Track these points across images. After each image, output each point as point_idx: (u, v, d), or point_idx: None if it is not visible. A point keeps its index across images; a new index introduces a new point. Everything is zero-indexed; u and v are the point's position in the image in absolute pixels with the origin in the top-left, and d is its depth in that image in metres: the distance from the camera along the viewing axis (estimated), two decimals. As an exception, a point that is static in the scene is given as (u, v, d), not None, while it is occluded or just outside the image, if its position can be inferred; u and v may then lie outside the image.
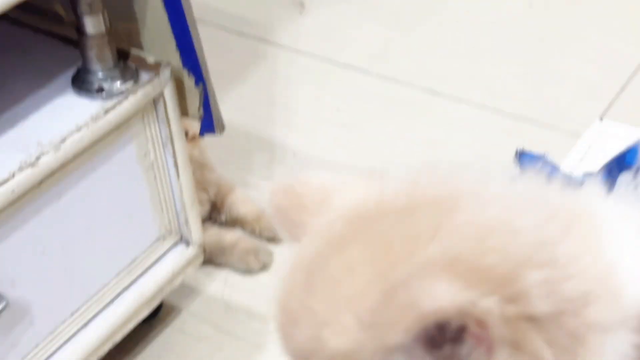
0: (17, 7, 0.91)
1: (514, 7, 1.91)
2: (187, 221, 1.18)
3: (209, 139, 1.60)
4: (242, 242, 1.40)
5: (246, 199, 1.47)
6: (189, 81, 1.03)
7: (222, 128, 1.09)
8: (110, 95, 1.00)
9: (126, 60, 1.04)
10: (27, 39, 1.11)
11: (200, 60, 1.01)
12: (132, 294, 1.14)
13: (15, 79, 1.04)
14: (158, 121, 1.08)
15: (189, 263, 1.22)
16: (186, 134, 1.35)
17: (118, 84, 1.01)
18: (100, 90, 1.00)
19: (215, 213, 1.47)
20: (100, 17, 0.96)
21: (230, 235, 1.41)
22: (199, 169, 1.39)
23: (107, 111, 0.98)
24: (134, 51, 1.06)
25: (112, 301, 1.12)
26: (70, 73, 1.03)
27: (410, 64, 1.79)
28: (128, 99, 1.00)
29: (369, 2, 1.97)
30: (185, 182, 1.14)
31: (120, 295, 1.13)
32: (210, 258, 1.40)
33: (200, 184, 1.42)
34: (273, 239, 1.44)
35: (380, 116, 1.68)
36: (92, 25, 0.96)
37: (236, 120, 1.68)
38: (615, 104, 1.66)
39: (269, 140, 1.64)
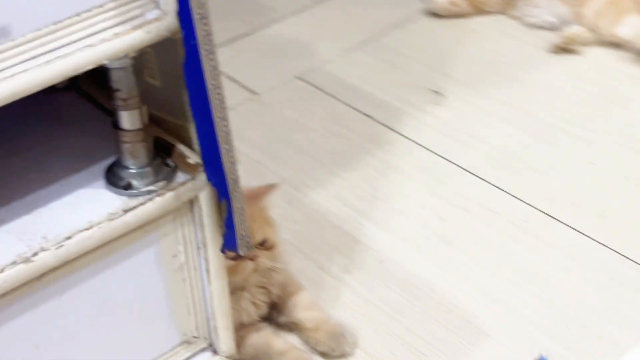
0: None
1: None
2: (216, 329, 1.09)
3: (296, 224, 1.54)
4: (292, 353, 1.28)
5: (311, 304, 1.36)
6: (204, 195, 0.94)
7: (247, 248, 0.99)
8: (137, 193, 0.93)
9: (167, 158, 0.97)
10: (88, 112, 1.08)
11: (228, 176, 0.91)
12: (142, 397, 1.06)
13: (58, 156, 1.00)
14: (194, 224, 1.00)
15: (214, 372, 1.12)
16: (263, 242, 1.29)
17: (148, 182, 0.94)
18: (128, 187, 0.93)
19: (276, 313, 1.37)
20: (136, 114, 0.90)
21: (282, 343, 1.30)
22: (265, 274, 1.31)
23: (126, 211, 0.91)
24: (180, 148, 0.99)
25: (118, 402, 1.05)
26: (109, 162, 0.97)
27: (533, 180, 1.61)
28: (154, 200, 0.93)
29: (512, 103, 1.80)
30: (217, 290, 1.05)
31: (128, 399, 1.05)
32: (256, 362, 1.30)
33: (263, 286, 1.33)
34: (326, 355, 1.31)
35: (484, 235, 1.51)
36: (126, 120, 0.89)
37: (333, 210, 1.59)
38: None
39: (357, 239, 1.52)
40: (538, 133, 1.73)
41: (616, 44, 1.91)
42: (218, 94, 0.86)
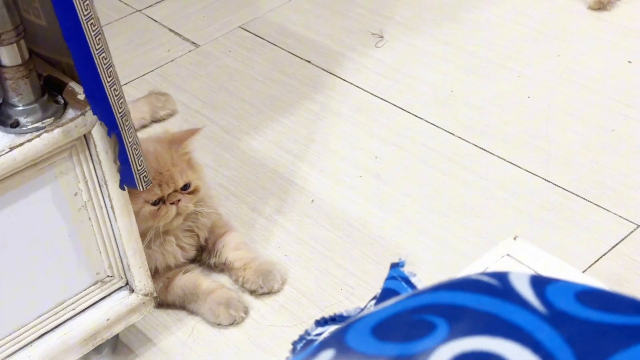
0: None
1: (607, 68, 1.68)
2: (129, 267, 1.10)
3: (231, 169, 1.55)
4: (218, 291, 1.30)
5: (240, 245, 1.37)
6: (97, 131, 0.94)
7: (146, 183, 1.00)
8: (25, 130, 0.94)
9: (59, 95, 0.98)
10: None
11: (115, 110, 0.92)
12: (56, 338, 1.08)
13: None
14: (92, 161, 1.01)
15: (132, 310, 1.14)
16: (186, 186, 1.30)
17: (36, 119, 0.94)
18: (16, 124, 0.94)
19: (206, 255, 1.39)
20: (15, 49, 0.90)
21: (209, 282, 1.32)
22: (191, 217, 1.32)
23: (12, 148, 0.92)
24: (71, 86, 0.99)
25: (31, 343, 1.06)
26: (-1, 103, 0.98)
27: (470, 117, 1.61)
28: (41, 136, 0.94)
29: (452, 43, 1.80)
30: (124, 227, 1.06)
31: (42, 338, 1.07)
32: (183, 303, 1.32)
33: (190, 229, 1.34)
34: (255, 292, 1.33)
35: (418, 171, 1.52)
36: (4, 56, 0.90)
37: (268, 154, 1.60)
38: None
39: (291, 181, 1.53)
40: (475, 69, 1.73)
41: (556, -22, 1.91)
42: (92, 25, 0.86)
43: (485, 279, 0.46)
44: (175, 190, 1.28)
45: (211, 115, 1.70)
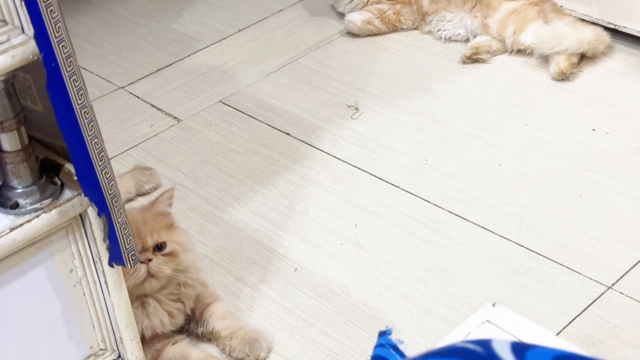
0: None
1: (572, 136, 1.77)
2: (122, 340, 1.14)
3: (215, 240, 1.60)
4: (207, 361, 1.33)
5: (226, 314, 1.41)
6: (92, 210, 0.99)
7: (134, 261, 1.04)
8: (24, 212, 0.98)
9: (55, 177, 1.03)
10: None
11: (105, 192, 0.97)
12: (50, 410, 1.10)
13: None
14: (87, 239, 1.05)
15: (123, 382, 1.17)
16: (160, 246, 1.33)
17: (34, 200, 0.99)
18: (16, 206, 0.99)
19: (193, 325, 1.42)
20: (15, 135, 0.96)
21: (198, 352, 1.35)
22: (174, 284, 1.35)
23: (13, 229, 0.96)
24: (67, 167, 1.04)
25: (26, 416, 1.09)
26: (-1, 185, 1.03)
27: (444, 185, 1.68)
28: (40, 217, 0.98)
29: (425, 113, 1.88)
30: (117, 301, 1.10)
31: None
32: (173, 374, 1.35)
33: (176, 297, 1.37)
34: (242, 362, 1.37)
35: (396, 238, 1.57)
36: (6, 142, 0.95)
37: (251, 224, 1.64)
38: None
39: (274, 250, 1.58)
40: (447, 139, 1.80)
41: (521, 51, 2.00)
42: (86, 113, 0.92)
43: (471, 346, 0.51)
44: (145, 250, 1.29)
45: (195, 188, 1.75)
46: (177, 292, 1.35)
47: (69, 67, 0.87)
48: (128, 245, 1.01)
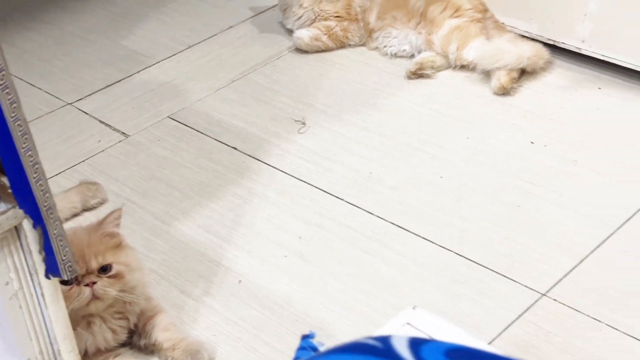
0: None
1: (513, 149, 1.82)
2: (60, 352, 1.15)
3: (161, 254, 1.61)
4: (148, 374, 1.34)
5: (168, 326, 1.42)
6: (27, 223, 1.00)
7: (71, 273, 1.05)
8: (-42, 224, 0.99)
9: (-9, 189, 1.04)
10: None
11: (40, 204, 0.98)
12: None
13: None
14: (23, 251, 1.06)
15: (62, 395, 1.17)
16: (106, 268, 1.33)
17: (-32, 213, 1.00)
18: (-50, 218, 0.99)
19: (136, 337, 1.43)
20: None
21: (138, 365, 1.36)
22: (118, 302, 1.35)
23: (-54, 241, 0.97)
24: (2, 180, 1.05)
25: None
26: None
27: (388, 197, 1.71)
28: (-26, 229, 0.99)
29: (370, 128, 1.91)
30: (54, 314, 1.11)
31: None
32: (116, 387, 1.36)
33: (122, 315, 1.38)
34: (186, 373, 1.38)
35: (340, 250, 1.59)
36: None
37: (197, 238, 1.66)
38: (583, 264, 1.51)
39: (219, 263, 1.59)
40: (392, 153, 1.84)
41: (464, 67, 2.05)
42: (19, 125, 0.93)
43: (371, 342, 0.53)
44: (89, 272, 1.30)
45: (141, 203, 1.76)
46: (122, 310, 1.36)
47: (1, 80, 0.88)
48: (64, 256, 1.03)
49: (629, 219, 1.60)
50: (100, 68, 2.21)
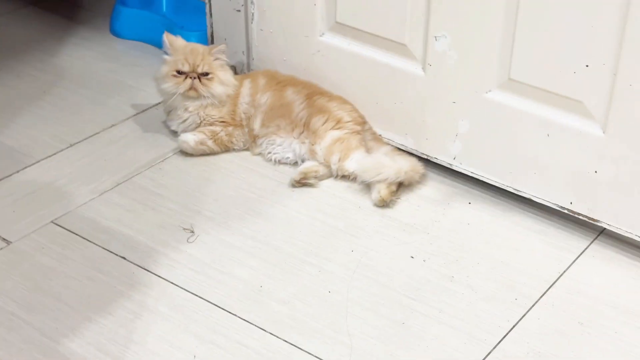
0: None
1: (394, 263, 1.92)
2: None
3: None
4: None
5: None
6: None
7: None
8: None
9: None
10: None
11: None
12: None
13: None
14: None
15: None
16: None
17: None
18: None
19: None
20: None
21: None
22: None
23: None
24: None
25: None
26: None
27: (278, 311, 1.76)
28: None
29: (258, 237, 1.97)
30: None
31: None
32: None
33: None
34: None
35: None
36: None
37: (88, 357, 1.63)
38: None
39: (114, 387, 1.58)
40: (280, 264, 1.90)
41: (345, 177, 2.15)
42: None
43: None
44: None
45: (27, 318, 1.72)
46: None
47: None
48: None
49: (503, 338, 1.73)
50: (-25, 166, 2.15)
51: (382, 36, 2.15)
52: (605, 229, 1.97)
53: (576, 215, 1.99)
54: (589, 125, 1.90)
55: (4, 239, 1.92)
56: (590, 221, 1.98)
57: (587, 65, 1.83)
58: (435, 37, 2.03)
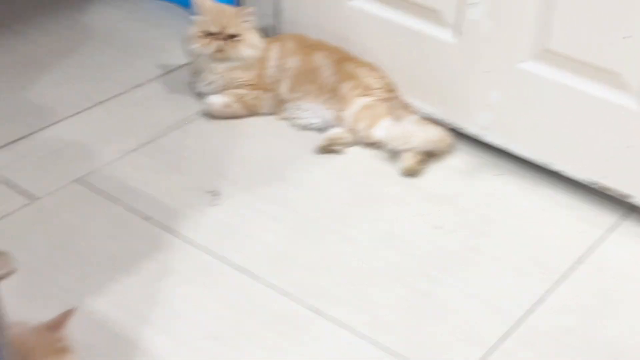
0: None
1: (419, 233, 1.91)
2: None
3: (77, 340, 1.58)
4: None
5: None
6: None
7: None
8: None
9: None
10: None
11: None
12: None
13: None
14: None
15: None
16: None
17: None
18: None
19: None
20: None
21: None
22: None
23: None
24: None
25: None
26: None
27: (302, 277, 1.76)
28: None
29: (284, 203, 1.95)
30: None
31: None
32: None
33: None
34: None
35: (256, 333, 1.62)
36: None
37: (111, 316, 1.64)
38: (495, 353, 1.61)
39: (135, 345, 1.58)
40: (304, 231, 1.88)
41: (372, 144, 2.13)
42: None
43: None
44: None
45: (52, 275, 1.71)
46: None
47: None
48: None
49: (528, 312, 1.71)
50: (2, 123, 2.14)
51: (414, 1, 2.11)
52: (635, 205, 1.94)
53: (606, 191, 1.96)
54: (624, 98, 1.86)
55: (30, 195, 1.92)
56: (620, 197, 1.95)
57: (626, 37, 1.79)
58: (470, 4, 1.99)
